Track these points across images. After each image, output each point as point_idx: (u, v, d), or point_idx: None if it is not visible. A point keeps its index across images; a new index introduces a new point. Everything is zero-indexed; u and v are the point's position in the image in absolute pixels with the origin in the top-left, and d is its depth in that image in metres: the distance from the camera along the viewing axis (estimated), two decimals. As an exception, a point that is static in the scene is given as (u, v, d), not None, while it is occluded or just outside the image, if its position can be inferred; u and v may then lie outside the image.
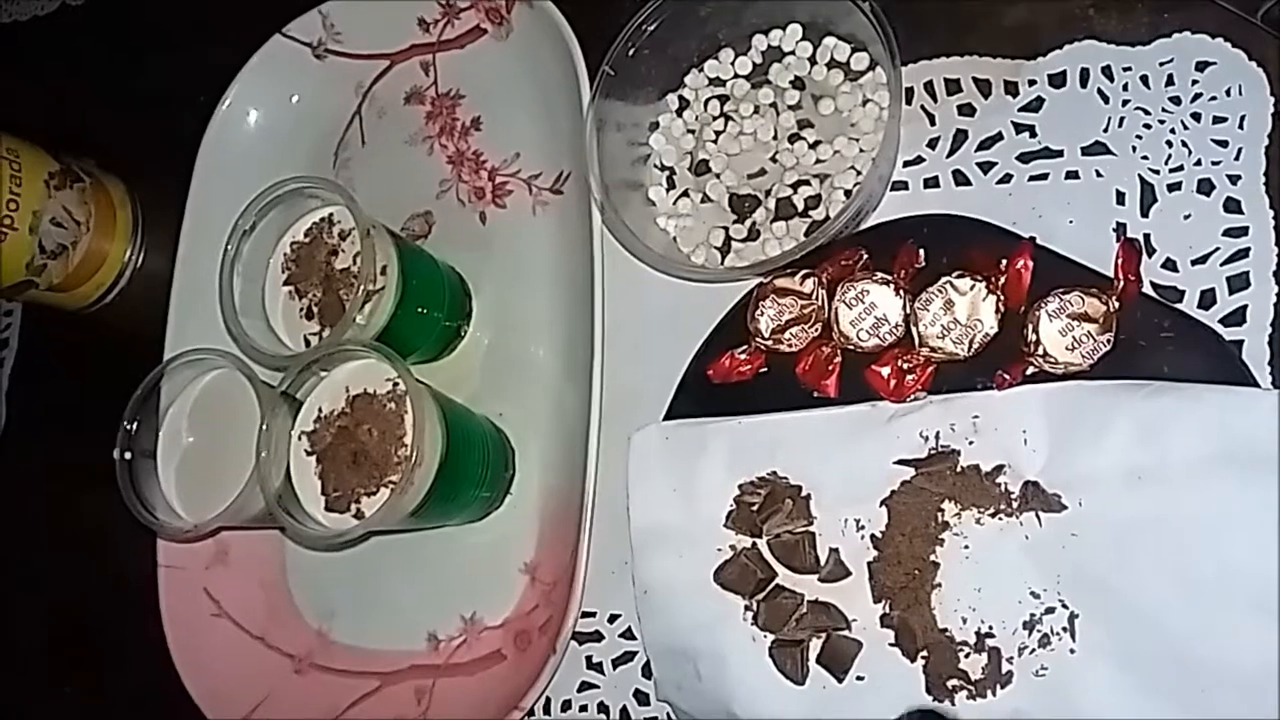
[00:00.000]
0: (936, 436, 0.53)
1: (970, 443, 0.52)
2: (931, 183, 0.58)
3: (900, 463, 0.53)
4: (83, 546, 0.74)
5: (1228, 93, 0.53)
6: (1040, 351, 0.51)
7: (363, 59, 0.74)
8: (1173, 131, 0.54)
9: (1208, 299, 0.52)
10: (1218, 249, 0.52)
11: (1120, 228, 0.53)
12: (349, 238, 0.61)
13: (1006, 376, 0.52)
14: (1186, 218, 0.53)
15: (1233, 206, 0.52)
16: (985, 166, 0.57)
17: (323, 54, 0.74)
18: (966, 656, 0.50)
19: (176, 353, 0.61)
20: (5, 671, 0.77)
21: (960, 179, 0.57)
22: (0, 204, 0.71)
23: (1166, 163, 0.54)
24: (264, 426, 0.55)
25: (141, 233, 0.80)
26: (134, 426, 0.60)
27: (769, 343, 0.56)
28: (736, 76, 0.63)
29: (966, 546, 0.52)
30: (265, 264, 0.63)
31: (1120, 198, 0.54)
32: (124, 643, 0.71)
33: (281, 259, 0.63)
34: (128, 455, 0.60)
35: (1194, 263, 0.52)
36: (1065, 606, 0.49)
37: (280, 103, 0.75)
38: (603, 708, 0.59)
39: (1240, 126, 0.53)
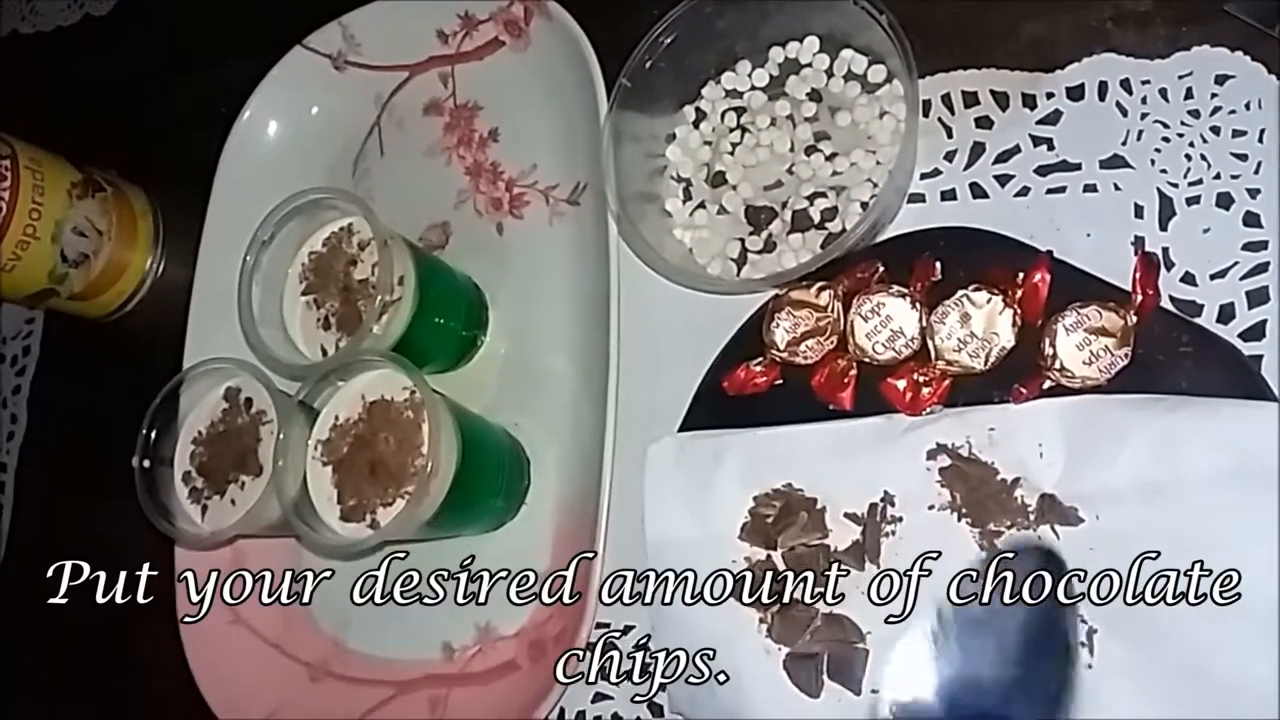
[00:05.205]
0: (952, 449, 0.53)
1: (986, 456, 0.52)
2: (948, 195, 0.58)
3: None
4: (100, 553, 0.74)
5: (1246, 106, 0.53)
6: (1057, 366, 0.50)
7: (382, 70, 0.74)
8: (1191, 145, 0.54)
9: (1227, 313, 0.51)
10: (1237, 263, 0.52)
11: (1138, 241, 0.53)
12: (367, 248, 0.61)
13: (1023, 391, 0.52)
14: (1205, 231, 0.53)
15: (1252, 220, 0.52)
16: (1003, 179, 0.57)
17: (342, 65, 0.74)
18: (982, 671, 0.50)
19: (196, 362, 0.62)
20: (23, 680, 0.78)
21: (977, 191, 0.57)
22: (23, 213, 0.71)
23: (1185, 176, 0.53)
24: (281, 435, 0.56)
25: (162, 242, 0.80)
26: (153, 434, 0.60)
27: (784, 355, 0.56)
28: (753, 89, 0.63)
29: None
30: (284, 274, 0.63)
31: (1139, 211, 0.54)
32: (141, 650, 0.72)
33: (300, 269, 0.63)
34: (146, 463, 0.60)
35: (1213, 277, 0.52)
36: (1084, 621, 0.49)
37: (300, 114, 0.75)
38: (617, 719, 0.58)
39: (1260, 140, 0.52)
